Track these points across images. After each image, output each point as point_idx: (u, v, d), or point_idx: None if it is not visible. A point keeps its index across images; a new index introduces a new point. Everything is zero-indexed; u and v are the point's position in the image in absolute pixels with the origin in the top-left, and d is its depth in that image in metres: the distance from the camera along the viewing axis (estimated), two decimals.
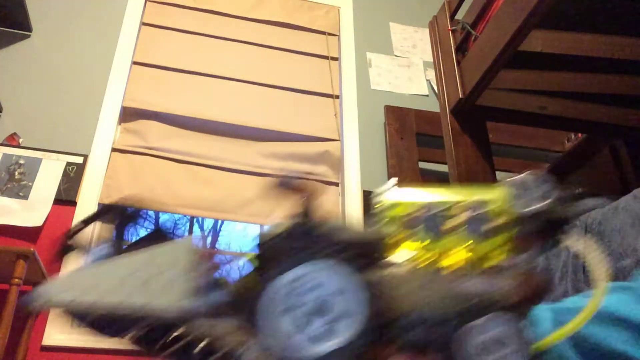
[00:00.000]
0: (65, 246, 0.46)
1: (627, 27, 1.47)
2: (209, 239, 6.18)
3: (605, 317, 0.40)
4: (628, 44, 1.49)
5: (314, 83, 2.70)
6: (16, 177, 2.10)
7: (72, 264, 2.00)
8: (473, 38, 1.64)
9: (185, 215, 2.33)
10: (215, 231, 6.17)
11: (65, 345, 1.89)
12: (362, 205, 2.43)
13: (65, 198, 2.12)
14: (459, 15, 1.81)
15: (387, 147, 2.55)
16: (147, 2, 2.70)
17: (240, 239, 6.32)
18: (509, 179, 0.48)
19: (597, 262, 0.41)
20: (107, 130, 2.31)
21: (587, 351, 0.39)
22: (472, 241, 0.42)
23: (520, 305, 0.33)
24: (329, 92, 2.70)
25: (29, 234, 2.03)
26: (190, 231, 2.46)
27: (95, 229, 2.16)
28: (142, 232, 0.48)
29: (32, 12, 2.44)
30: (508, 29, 1.39)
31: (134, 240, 0.46)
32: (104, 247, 0.45)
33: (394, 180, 0.51)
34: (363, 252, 0.36)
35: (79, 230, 0.46)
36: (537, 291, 0.34)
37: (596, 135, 1.99)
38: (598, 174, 2.11)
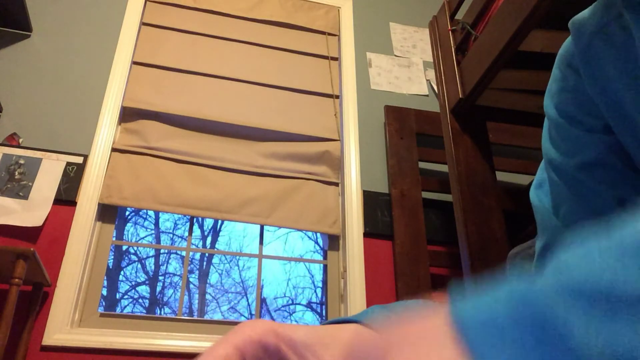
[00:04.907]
0: None
1: None
2: (209, 239, 6.19)
3: None
4: None
5: (314, 83, 2.70)
6: (16, 177, 2.10)
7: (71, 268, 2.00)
8: (473, 38, 1.64)
9: (185, 215, 2.33)
10: (215, 231, 6.18)
11: (65, 345, 1.89)
12: (362, 205, 2.43)
13: (65, 198, 2.12)
14: (459, 15, 1.81)
15: (387, 147, 2.55)
16: (147, 2, 2.69)
17: (240, 239, 6.33)
18: None
19: None
20: (107, 130, 2.31)
21: None
22: None
23: None
24: (329, 92, 2.70)
25: (29, 234, 2.03)
26: (190, 231, 2.46)
27: (95, 229, 2.16)
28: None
29: (32, 12, 2.44)
30: (508, 29, 1.39)
31: None
32: None
33: None
34: None
35: None
36: None
37: None
38: None
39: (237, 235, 6.30)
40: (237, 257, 5.93)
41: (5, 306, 1.57)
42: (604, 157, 0.45)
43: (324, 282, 2.42)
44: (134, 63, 2.51)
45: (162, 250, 6.35)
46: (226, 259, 5.78)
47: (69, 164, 2.18)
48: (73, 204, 2.13)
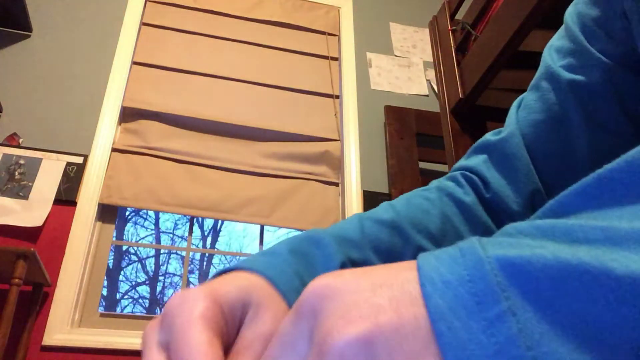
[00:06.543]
0: None
1: None
2: (209, 239, 6.19)
3: None
4: None
5: (314, 83, 2.70)
6: (16, 177, 2.10)
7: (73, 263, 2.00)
8: (473, 38, 1.64)
9: (185, 215, 2.33)
10: (215, 231, 6.18)
11: (65, 345, 1.89)
12: (362, 205, 2.43)
13: (65, 198, 2.12)
14: (459, 15, 1.81)
15: (387, 147, 2.55)
16: (147, 2, 2.69)
17: (240, 239, 6.32)
18: None
19: None
20: (107, 130, 2.31)
21: None
22: None
23: None
24: (329, 92, 2.70)
25: (29, 234, 2.03)
26: (190, 231, 2.46)
27: (95, 229, 2.16)
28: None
29: (32, 12, 2.45)
30: (508, 29, 1.40)
31: None
32: None
33: None
34: None
35: None
36: None
37: None
38: None
39: (237, 235, 6.31)
40: (237, 257, 5.93)
41: (5, 306, 1.57)
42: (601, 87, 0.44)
43: None
44: (134, 63, 2.51)
45: (162, 251, 6.36)
46: (226, 259, 5.78)
47: (69, 164, 2.18)
48: (73, 204, 2.13)
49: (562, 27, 0.50)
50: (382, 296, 0.18)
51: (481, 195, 0.48)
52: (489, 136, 0.51)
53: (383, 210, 0.44)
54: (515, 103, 0.53)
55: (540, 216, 0.21)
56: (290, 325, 0.20)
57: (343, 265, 0.37)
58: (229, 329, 0.26)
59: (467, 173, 0.50)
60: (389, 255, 0.41)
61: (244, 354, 0.25)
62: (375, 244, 0.41)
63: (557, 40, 0.50)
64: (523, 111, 0.49)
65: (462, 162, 0.52)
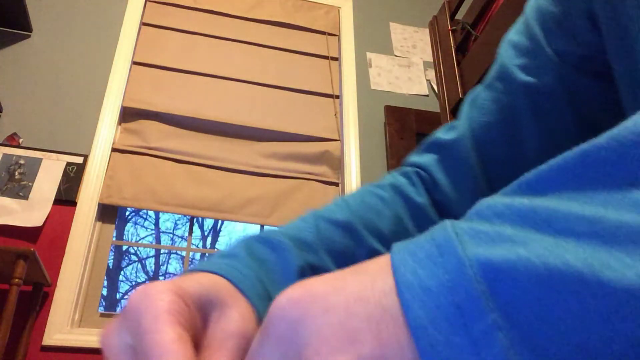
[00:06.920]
0: None
1: None
2: (209, 239, 6.19)
3: None
4: None
5: (314, 83, 2.70)
6: (16, 177, 2.10)
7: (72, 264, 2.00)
8: (473, 38, 1.64)
9: (185, 215, 2.33)
10: (215, 231, 6.18)
11: (65, 345, 1.89)
12: None
13: (65, 198, 2.12)
14: (459, 16, 1.81)
15: (387, 147, 2.55)
16: (147, 2, 2.69)
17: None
18: None
19: None
20: (107, 130, 2.31)
21: None
22: None
23: None
24: (329, 92, 2.70)
25: (29, 234, 2.03)
26: (190, 231, 2.46)
27: (95, 229, 2.16)
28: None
29: (32, 12, 2.44)
30: (508, 29, 1.39)
31: None
32: None
33: None
34: None
35: None
36: None
37: None
38: None
39: (237, 235, 6.31)
40: None
41: (5, 306, 1.57)
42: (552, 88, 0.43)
43: None
44: (134, 63, 2.51)
45: (162, 250, 6.37)
46: None
47: (69, 164, 2.18)
48: (73, 204, 2.13)
49: (522, 19, 0.48)
50: (359, 316, 0.16)
51: (432, 196, 0.48)
52: (441, 134, 0.50)
53: (338, 208, 0.46)
54: (468, 98, 0.51)
55: (517, 190, 0.19)
56: (260, 348, 0.19)
57: (301, 271, 0.37)
58: (195, 324, 0.25)
59: (420, 171, 0.49)
60: (342, 257, 0.42)
61: (218, 353, 0.24)
62: (330, 246, 0.42)
63: (515, 34, 0.48)
64: (476, 111, 0.48)
65: (415, 157, 0.51)
